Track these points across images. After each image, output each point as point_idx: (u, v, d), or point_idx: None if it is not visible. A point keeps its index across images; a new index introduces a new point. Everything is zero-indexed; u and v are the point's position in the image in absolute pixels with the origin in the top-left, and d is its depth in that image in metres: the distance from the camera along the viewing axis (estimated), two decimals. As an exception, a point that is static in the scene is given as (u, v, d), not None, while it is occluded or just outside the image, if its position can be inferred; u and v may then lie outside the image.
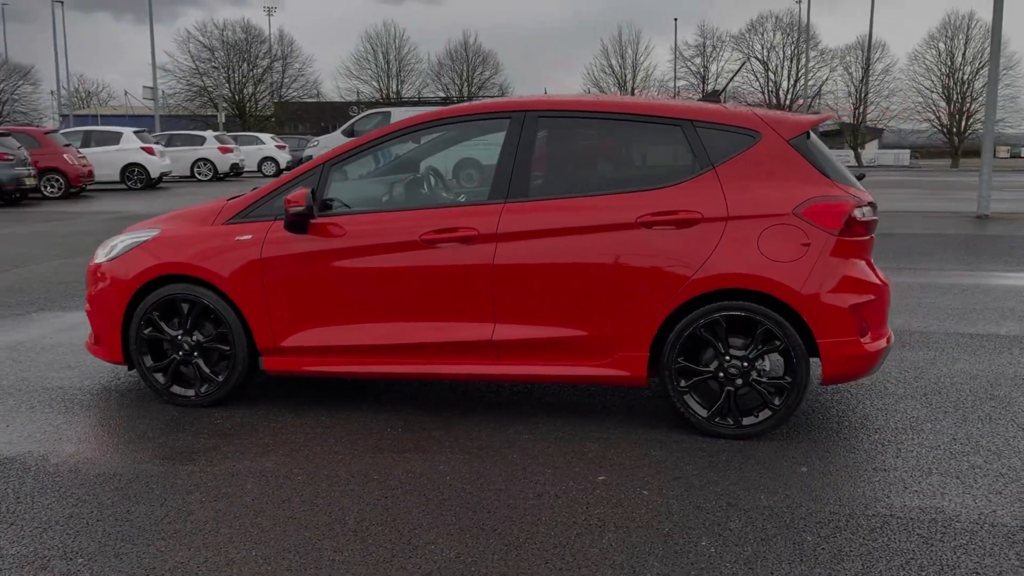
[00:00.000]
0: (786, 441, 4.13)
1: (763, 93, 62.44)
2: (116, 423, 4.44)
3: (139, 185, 24.22)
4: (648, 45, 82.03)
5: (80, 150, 22.39)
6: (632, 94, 62.69)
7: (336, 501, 3.47)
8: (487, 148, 4.73)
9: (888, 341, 4.27)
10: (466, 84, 61.11)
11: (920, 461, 3.88)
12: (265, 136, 36.91)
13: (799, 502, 3.44)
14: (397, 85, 61.85)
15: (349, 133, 24.46)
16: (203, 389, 4.64)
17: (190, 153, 29.75)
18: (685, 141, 4.23)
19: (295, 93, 62.87)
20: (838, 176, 4.23)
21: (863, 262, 4.20)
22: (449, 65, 63.05)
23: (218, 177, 30.05)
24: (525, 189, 4.30)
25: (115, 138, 24.43)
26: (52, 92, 53.44)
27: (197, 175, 29.90)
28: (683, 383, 4.17)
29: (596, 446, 4.08)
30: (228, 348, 4.56)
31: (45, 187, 20.71)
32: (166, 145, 27.75)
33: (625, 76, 63.17)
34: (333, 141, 23.52)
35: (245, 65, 62.42)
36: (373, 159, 5.00)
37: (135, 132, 24.78)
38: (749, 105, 4.93)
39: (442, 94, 56.43)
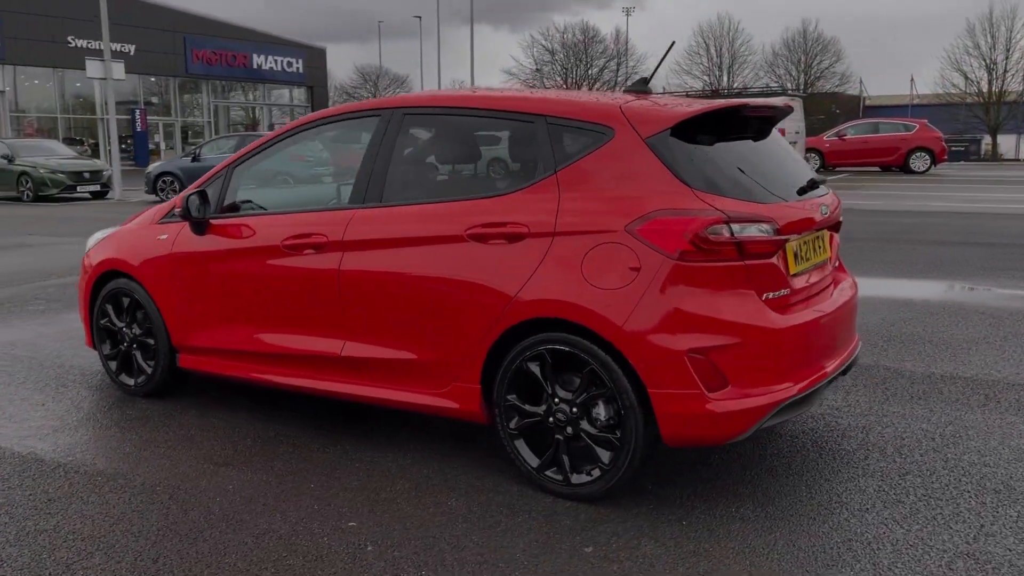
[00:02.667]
0: (626, 509, 3.31)
1: None
2: (55, 405, 4.78)
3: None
4: (1031, 19, 70.13)
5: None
6: (1003, 78, 54.63)
7: (89, 508, 3.43)
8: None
9: (786, 398, 3.22)
10: (803, 74, 57.34)
11: (756, 560, 2.90)
12: None
13: (513, 592, 2.75)
14: (728, 78, 59.92)
15: None
16: (139, 380, 4.86)
17: None
18: (535, 140, 3.56)
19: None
20: (721, 184, 3.27)
21: (742, 293, 3.21)
22: (785, 55, 59.66)
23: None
24: (380, 193, 3.91)
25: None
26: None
27: None
28: (513, 424, 3.53)
29: (407, 485, 3.60)
30: (153, 343, 4.74)
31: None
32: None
33: (995, 58, 55.03)
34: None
35: (581, 66, 64.87)
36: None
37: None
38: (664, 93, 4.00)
39: (773, 85, 53.27)
